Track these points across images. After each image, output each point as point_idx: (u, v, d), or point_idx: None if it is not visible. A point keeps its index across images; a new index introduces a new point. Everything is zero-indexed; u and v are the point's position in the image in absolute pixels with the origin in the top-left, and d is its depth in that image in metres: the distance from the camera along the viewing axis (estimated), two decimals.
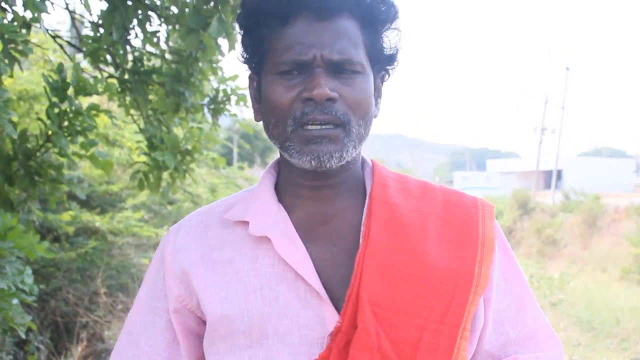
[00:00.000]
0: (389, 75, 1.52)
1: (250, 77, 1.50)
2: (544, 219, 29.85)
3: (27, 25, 3.74)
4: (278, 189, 1.51)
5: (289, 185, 1.48)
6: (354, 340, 1.31)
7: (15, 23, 3.39)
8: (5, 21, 3.38)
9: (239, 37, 1.48)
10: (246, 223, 1.46)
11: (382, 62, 1.47)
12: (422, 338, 1.32)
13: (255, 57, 1.45)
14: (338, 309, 1.36)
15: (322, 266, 1.40)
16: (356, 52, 1.37)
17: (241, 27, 1.46)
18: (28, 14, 3.56)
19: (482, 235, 1.43)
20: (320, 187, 1.44)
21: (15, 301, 3.52)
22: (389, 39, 1.46)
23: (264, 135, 1.53)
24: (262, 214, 1.46)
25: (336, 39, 1.35)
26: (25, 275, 3.57)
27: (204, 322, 1.50)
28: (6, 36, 3.37)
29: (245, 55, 1.48)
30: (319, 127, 1.34)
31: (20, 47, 3.49)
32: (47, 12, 3.08)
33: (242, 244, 1.46)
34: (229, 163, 24.78)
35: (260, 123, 1.47)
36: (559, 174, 47.88)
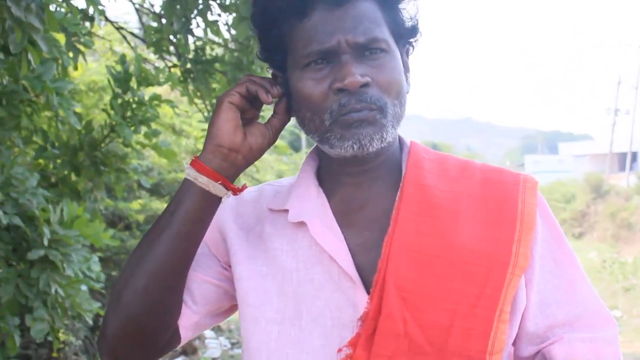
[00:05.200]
0: (414, 48, 1.49)
1: (273, 75, 1.47)
2: (618, 202, 29.15)
3: (90, 18, 3.82)
4: (320, 173, 1.51)
5: (329, 171, 1.48)
6: (378, 327, 1.29)
7: (78, 16, 3.47)
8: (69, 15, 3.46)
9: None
10: (287, 210, 1.47)
11: (405, 36, 1.44)
12: (454, 322, 1.28)
13: (277, 55, 1.43)
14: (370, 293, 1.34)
15: (356, 251, 1.39)
16: (380, 31, 1.35)
17: (256, 26, 1.44)
18: (92, 9, 3.64)
19: (520, 213, 1.38)
20: (359, 173, 1.43)
21: (83, 287, 3.62)
22: (408, 11, 1.43)
23: None
24: (302, 200, 1.46)
25: (358, 22, 1.32)
26: (92, 263, 3.66)
27: (222, 269, 1.52)
28: (69, 29, 3.45)
29: (265, 54, 1.46)
30: (356, 114, 1.32)
31: (82, 40, 3.57)
32: (101, 4, 3.15)
33: (283, 225, 1.47)
34: (297, 149, 24.88)
35: None
36: (634, 155, 46.69)
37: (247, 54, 4.70)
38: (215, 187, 1.37)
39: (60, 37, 3.62)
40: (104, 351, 1.41)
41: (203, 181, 1.36)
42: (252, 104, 1.42)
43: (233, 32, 4.98)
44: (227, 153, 1.37)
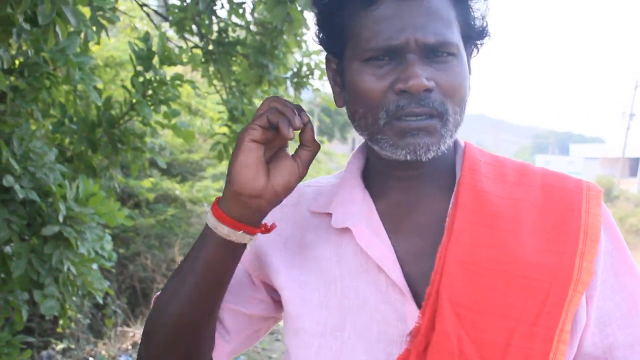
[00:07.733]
0: (478, 51, 1.38)
1: (327, 58, 1.38)
2: (628, 207, 28.99)
3: None
4: (366, 174, 1.42)
5: (376, 172, 1.39)
6: (431, 344, 1.20)
7: None
8: None
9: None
10: (330, 214, 1.38)
11: (473, 38, 1.33)
12: (511, 342, 1.19)
13: (336, 41, 1.31)
14: (420, 306, 1.25)
15: (406, 259, 1.30)
16: (451, 33, 1.24)
17: (318, 9, 1.33)
18: None
19: (584, 224, 1.27)
20: (410, 176, 1.33)
21: (94, 266, 3.57)
22: (480, 12, 1.32)
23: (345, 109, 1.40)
24: (346, 203, 1.37)
25: (430, 20, 1.21)
26: (105, 242, 3.62)
27: (254, 292, 1.47)
28: (94, 3, 3.39)
29: (322, 37, 1.35)
30: (414, 118, 1.22)
31: (107, 15, 3.51)
32: None
33: (326, 229, 1.38)
34: None
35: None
36: None
37: (271, 38, 4.65)
38: (237, 236, 1.28)
39: (86, 11, 3.57)
40: None
41: (224, 231, 1.27)
42: (277, 131, 1.27)
43: (256, 15, 4.92)
44: (247, 201, 1.26)
